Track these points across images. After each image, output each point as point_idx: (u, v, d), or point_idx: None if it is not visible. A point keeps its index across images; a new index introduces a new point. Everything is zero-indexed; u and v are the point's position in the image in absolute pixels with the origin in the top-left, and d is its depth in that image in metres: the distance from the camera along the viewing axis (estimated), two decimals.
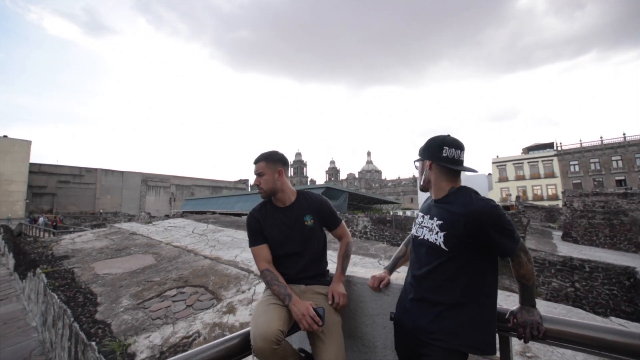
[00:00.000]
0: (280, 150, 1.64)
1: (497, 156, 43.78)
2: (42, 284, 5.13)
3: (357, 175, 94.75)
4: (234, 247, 6.87)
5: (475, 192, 1.20)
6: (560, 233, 14.02)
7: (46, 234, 15.94)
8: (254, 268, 5.01)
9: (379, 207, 38.40)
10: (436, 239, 1.17)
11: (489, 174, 45.34)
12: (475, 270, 1.13)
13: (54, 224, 22.47)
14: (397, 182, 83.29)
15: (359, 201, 31.55)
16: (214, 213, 18.81)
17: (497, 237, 1.08)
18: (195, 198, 43.82)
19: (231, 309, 3.70)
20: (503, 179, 42.54)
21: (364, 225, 10.96)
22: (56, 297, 4.38)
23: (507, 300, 3.64)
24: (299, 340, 1.70)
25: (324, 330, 1.35)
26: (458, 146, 1.24)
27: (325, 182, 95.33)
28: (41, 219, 24.06)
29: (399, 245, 7.22)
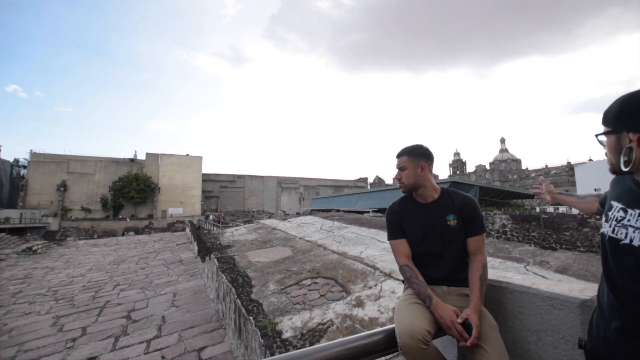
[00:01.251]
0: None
1: None
2: (214, 266, 6.61)
3: (488, 167, 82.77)
4: (359, 243, 7.11)
5: None
6: None
7: (215, 228, 20.46)
8: (380, 265, 5.06)
9: (520, 203, 32.59)
10: None
11: None
12: None
13: (219, 220, 28.60)
14: (545, 172, 68.19)
15: (492, 196, 27.55)
16: (337, 211, 20.00)
17: None
18: (321, 197, 47.64)
19: (360, 303, 3.85)
20: None
21: (503, 224, 9.47)
22: (224, 277, 5.56)
23: None
24: (441, 347, 1.60)
25: (481, 336, 1.20)
26: None
27: (450, 176, 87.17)
28: (211, 216, 31.13)
29: (552, 248, 5.87)
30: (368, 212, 20.35)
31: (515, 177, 74.26)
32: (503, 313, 1.39)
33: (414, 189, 1.53)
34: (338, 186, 72.03)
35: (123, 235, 32.64)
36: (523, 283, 1.35)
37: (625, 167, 0.84)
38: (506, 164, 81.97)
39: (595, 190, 35.97)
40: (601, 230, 0.97)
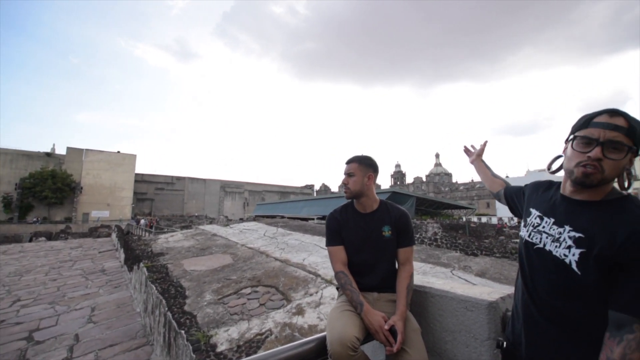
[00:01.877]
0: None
1: None
2: (144, 276, 6.01)
3: (424, 179, 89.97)
4: (302, 250, 7.10)
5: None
6: None
7: (147, 234, 18.70)
8: (321, 272, 5.10)
9: (449, 213, 35.88)
10: (565, 256, 0.90)
11: None
12: (607, 298, 0.85)
13: (151, 225, 26.22)
14: (471, 186, 76.49)
15: (427, 206, 29.95)
16: (282, 217, 19.81)
17: None
18: (266, 203, 46.80)
19: (300, 311, 3.82)
20: None
21: (434, 232, 10.31)
22: (154, 288, 5.08)
23: None
24: (371, 351, 1.67)
25: (405, 340, 1.29)
26: None
27: (391, 186, 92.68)
28: (142, 221, 28.41)
29: (474, 254, 6.55)
30: (313, 219, 20.53)
31: (447, 189, 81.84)
32: (426, 316, 1.51)
33: (358, 196, 1.59)
34: (284, 192, 71.53)
35: (31, 241, 27.87)
36: (443, 287, 1.49)
37: (629, 187, 0.91)
38: (439, 177, 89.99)
39: None
40: (520, 234, 1.09)
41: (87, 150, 45.36)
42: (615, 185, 0.94)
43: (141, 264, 6.61)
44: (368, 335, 1.34)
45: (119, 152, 48.63)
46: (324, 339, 1.28)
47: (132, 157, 49.62)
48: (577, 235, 0.89)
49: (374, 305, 1.42)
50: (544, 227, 0.99)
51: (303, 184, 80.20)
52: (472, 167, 1.69)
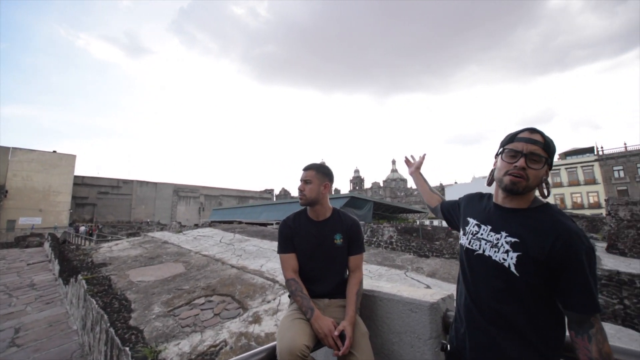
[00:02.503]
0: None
1: None
2: (82, 289, 5.45)
3: (382, 184, 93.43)
4: (260, 256, 6.96)
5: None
6: (604, 244, 12.95)
7: (87, 242, 17.00)
8: (280, 278, 5.04)
9: (404, 217, 37.56)
10: (504, 259, 0.98)
11: None
12: (547, 300, 0.95)
13: (90, 232, 23.86)
14: None
15: (384, 210, 31.06)
16: (240, 223, 19.24)
17: (585, 281, 0.88)
18: (223, 208, 45.11)
19: (257, 319, 3.73)
20: None
21: (390, 236, 10.73)
22: (94, 302, 4.63)
23: None
24: (323, 357, 1.69)
25: (353, 343, 1.33)
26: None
27: (350, 191, 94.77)
28: (82, 228, 25.76)
29: (426, 256, 6.95)
30: (272, 224, 20.23)
31: (402, 194, 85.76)
32: (374, 319, 1.57)
33: (312, 204, 1.61)
34: (243, 197, 69.55)
35: None
36: (390, 291, 1.56)
37: (547, 195, 1.06)
38: (396, 182, 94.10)
39: None
40: (460, 242, 1.18)
41: (14, 148, 40.07)
42: (538, 195, 1.08)
43: (79, 276, 5.99)
44: (318, 342, 1.36)
45: (55, 151, 43.65)
46: (274, 348, 1.28)
47: (71, 158, 44.85)
48: (513, 240, 0.99)
49: (324, 311, 1.45)
50: (482, 234, 1.08)
51: (262, 189, 78.79)
52: (426, 172, 1.75)
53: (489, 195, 1.19)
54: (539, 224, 0.98)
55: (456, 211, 1.33)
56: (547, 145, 1.01)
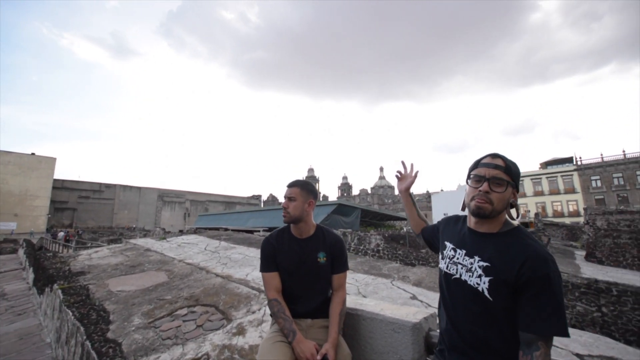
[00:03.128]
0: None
1: None
2: (58, 300, 5.22)
3: (369, 191, 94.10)
4: (246, 265, 6.85)
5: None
6: (583, 253, 13.38)
7: (66, 249, 16.38)
8: None
9: (391, 224, 37.87)
10: (478, 284, 1.01)
11: None
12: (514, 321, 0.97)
13: (67, 238, 22.94)
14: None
15: (371, 217, 31.23)
16: (226, 229, 18.95)
17: (541, 303, 0.90)
18: (209, 214, 44.40)
19: (241, 330, 3.65)
20: (521, 194, 41.39)
21: (377, 244, 10.77)
22: (70, 313, 4.43)
23: None
24: None
25: None
26: None
27: (338, 197, 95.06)
28: (61, 234, 24.77)
29: (412, 264, 7.02)
30: (259, 230, 20.01)
31: (389, 201, 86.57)
32: (357, 339, 1.55)
33: (297, 221, 1.58)
34: (230, 202, 68.67)
35: None
36: (374, 310, 1.54)
37: (517, 217, 1.09)
38: (383, 189, 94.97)
39: (444, 214, 45.50)
40: (439, 266, 1.20)
41: None
42: (513, 219, 1.11)
43: (55, 286, 5.74)
44: None
45: (33, 154, 42.19)
46: None
47: (51, 161, 43.36)
48: (485, 264, 1.01)
49: (307, 332, 1.43)
50: (458, 258, 1.11)
51: (250, 194, 78.02)
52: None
53: (464, 218, 1.22)
54: (509, 248, 1.01)
55: (436, 234, 1.35)
56: (509, 169, 1.05)
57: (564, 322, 0.88)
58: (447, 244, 1.19)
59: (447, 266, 1.14)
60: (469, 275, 1.04)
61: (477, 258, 1.05)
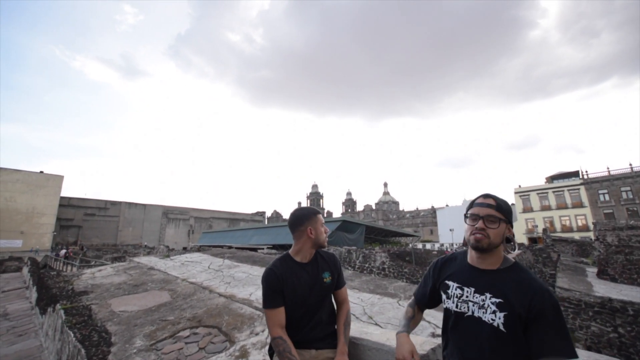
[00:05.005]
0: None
1: (520, 186, 42.33)
2: (60, 320, 5.16)
3: (374, 207, 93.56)
4: (249, 284, 6.77)
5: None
6: (594, 270, 13.01)
7: (70, 268, 16.33)
8: None
9: (397, 240, 37.37)
10: (493, 319, 1.06)
11: (512, 204, 43.81)
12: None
13: (66, 255, 22.86)
14: (416, 214, 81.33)
15: (376, 234, 30.87)
16: (230, 247, 18.84)
17: (552, 330, 0.98)
18: (213, 231, 44.31)
19: (244, 354, 3.56)
20: (527, 209, 40.83)
21: (382, 262, 10.60)
22: (72, 335, 4.37)
23: None
24: None
25: None
26: None
27: (342, 214, 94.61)
28: (62, 251, 24.78)
29: (418, 282, 6.86)
30: (263, 248, 19.85)
31: (394, 216, 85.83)
32: None
33: (321, 246, 1.61)
34: (234, 219, 68.60)
35: None
36: (379, 340, 1.50)
37: (511, 250, 1.20)
38: (388, 205, 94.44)
39: (450, 230, 44.85)
40: (445, 306, 1.23)
41: None
42: (511, 253, 1.22)
43: (58, 306, 5.69)
44: None
45: (42, 172, 42.87)
46: None
47: (58, 179, 44.02)
48: (498, 300, 1.07)
49: None
50: (467, 296, 1.15)
51: (254, 211, 77.96)
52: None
53: (459, 255, 1.29)
54: (516, 283, 1.09)
55: (428, 284, 1.36)
56: (500, 207, 1.15)
57: (572, 345, 0.98)
58: (450, 283, 1.23)
59: (457, 305, 1.17)
60: (483, 312, 1.09)
61: (488, 295, 1.10)
